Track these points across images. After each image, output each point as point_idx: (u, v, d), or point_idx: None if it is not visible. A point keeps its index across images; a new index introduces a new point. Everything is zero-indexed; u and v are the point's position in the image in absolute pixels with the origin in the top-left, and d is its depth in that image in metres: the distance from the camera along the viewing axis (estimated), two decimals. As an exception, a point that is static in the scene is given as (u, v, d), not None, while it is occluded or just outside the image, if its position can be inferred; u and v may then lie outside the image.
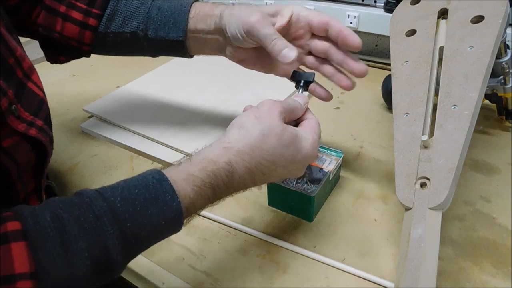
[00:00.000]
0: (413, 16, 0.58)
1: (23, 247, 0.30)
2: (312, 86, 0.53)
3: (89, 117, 0.75)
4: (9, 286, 0.29)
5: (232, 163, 0.39)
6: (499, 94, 0.62)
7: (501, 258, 0.46)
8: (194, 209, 0.38)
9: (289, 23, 0.50)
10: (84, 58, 1.00)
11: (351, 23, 0.90)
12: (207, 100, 0.76)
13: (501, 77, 0.60)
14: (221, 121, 0.69)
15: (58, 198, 0.34)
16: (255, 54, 0.54)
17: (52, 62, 0.62)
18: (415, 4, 0.59)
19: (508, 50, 0.59)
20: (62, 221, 0.32)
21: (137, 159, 0.66)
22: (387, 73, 0.79)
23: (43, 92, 0.47)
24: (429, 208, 0.42)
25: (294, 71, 0.52)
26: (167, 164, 0.62)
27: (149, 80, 0.85)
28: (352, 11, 0.89)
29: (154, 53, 0.60)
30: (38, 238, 0.30)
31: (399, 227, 0.50)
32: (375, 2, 0.88)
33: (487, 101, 0.66)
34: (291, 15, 0.50)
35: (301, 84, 0.51)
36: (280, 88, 0.77)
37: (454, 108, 0.46)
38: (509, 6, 0.50)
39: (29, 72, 0.45)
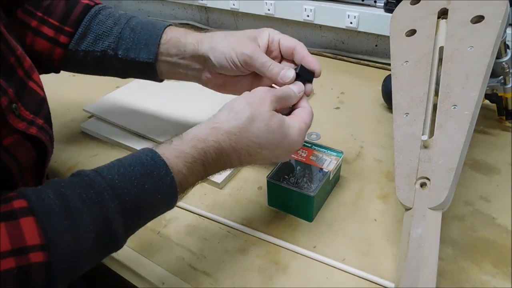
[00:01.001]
0: (413, 16, 0.58)
1: (32, 222, 0.31)
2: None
3: (89, 117, 0.75)
4: (22, 257, 0.30)
5: (220, 142, 0.41)
6: (499, 94, 0.62)
7: (501, 258, 0.46)
8: (187, 184, 0.40)
9: (266, 46, 0.52)
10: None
11: (351, 23, 0.90)
12: (207, 100, 0.76)
13: (501, 77, 0.60)
14: (221, 121, 0.69)
15: (58, 179, 0.36)
16: (234, 79, 0.54)
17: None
18: (415, 4, 0.59)
19: (508, 50, 0.59)
20: (65, 198, 0.33)
21: (137, 159, 0.66)
22: (387, 73, 0.79)
23: (44, 92, 0.47)
24: (429, 208, 0.42)
25: (301, 65, 0.51)
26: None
27: (149, 80, 0.85)
28: (352, 11, 0.89)
29: (123, 74, 0.60)
30: (45, 213, 0.32)
31: (399, 227, 0.50)
32: (375, 2, 0.87)
33: (487, 101, 0.66)
34: (268, 39, 0.52)
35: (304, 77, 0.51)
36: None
37: (454, 108, 0.46)
38: (509, 6, 0.50)
39: (30, 71, 0.45)
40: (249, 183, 0.59)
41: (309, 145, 0.57)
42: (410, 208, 0.43)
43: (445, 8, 0.55)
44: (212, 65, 0.52)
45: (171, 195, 0.39)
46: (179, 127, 0.68)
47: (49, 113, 0.48)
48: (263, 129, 0.42)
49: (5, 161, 0.39)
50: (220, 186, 0.59)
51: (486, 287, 0.43)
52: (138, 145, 0.66)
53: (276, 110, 0.44)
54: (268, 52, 0.52)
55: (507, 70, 0.59)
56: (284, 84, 0.48)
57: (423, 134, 0.46)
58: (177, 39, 0.54)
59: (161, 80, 0.59)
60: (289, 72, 0.49)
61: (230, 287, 0.45)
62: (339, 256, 0.47)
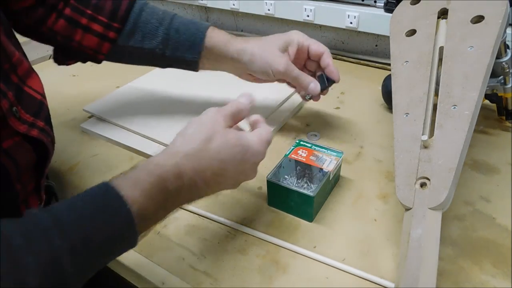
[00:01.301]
0: (413, 16, 0.57)
1: None
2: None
3: (89, 117, 0.75)
4: None
5: (179, 165, 0.39)
6: (499, 94, 0.62)
7: (501, 258, 0.46)
8: (147, 216, 0.37)
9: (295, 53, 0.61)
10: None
11: (351, 23, 0.90)
12: (207, 100, 0.76)
13: (501, 77, 0.60)
14: (221, 121, 0.69)
15: (6, 219, 0.32)
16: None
17: (59, 64, 0.64)
18: (415, 4, 0.59)
19: (508, 50, 0.59)
20: (7, 237, 0.30)
21: (137, 159, 0.66)
22: (387, 73, 0.79)
23: (42, 95, 0.47)
24: (429, 208, 0.42)
25: (322, 73, 0.62)
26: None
27: (149, 80, 0.85)
28: (352, 11, 0.89)
29: (166, 67, 0.65)
30: None
31: (399, 227, 0.50)
32: (375, 2, 0.87)
33: (487, 101, 0.66)
34: (297, 47, 0.60)
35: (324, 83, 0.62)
36: (280, 88, 0.77)
37: (454, 108, 0.46)
38: (509, 6, 0.50)
39: (25, 77, 0.45)
40: (249, 183, 0.59)
41: (309, 145, 0.57)
42: (410, 208, 0.43)
43: (445, 8, 0.55)
44: (252, 71, 0.61)
45: (129, 228, 0.35)
46: (179, 127, 0.68)
47: (49, 115, 0.48)
48: (222, 145, 0.41)
49: (4, 163, 0.39)
50: (220, 186, 0.59)
51: (486, 287, 0.43)
52: (138, 145, 0.66)
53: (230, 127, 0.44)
54: (297, 55, 0.61)
55: (507, 70, 0.59)
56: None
57: (423, 134, 0.46)
58: (219, 47, 0.61)
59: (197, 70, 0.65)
60: (317, 86, 0.59)
61: (230, 287, 0.45)
62: (339, 256, 0.47)
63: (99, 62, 0.64)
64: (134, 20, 0.60)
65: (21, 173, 0.42)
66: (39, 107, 0.46)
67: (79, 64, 1.00)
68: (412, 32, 0.56)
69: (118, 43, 0.60)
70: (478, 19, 0.51)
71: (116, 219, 0.34)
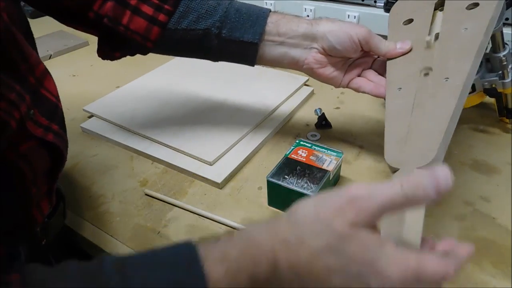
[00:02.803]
0: (411, 8, 0.59)
1: None
2: (361, 81, 0.58)
3: (89, 117, 0.75)
4: None
5: (275, 251, 0.30)
6: (498, 90, 0.62)
7: (501, 258, 0.46)
8: None
9: None
10: (84, 58, 1.01)
11: (351, 23, 0.90)
12: (207, 100, 0.76)
13: (500, 71, 0.60)
14: (221, 121, 0.69)
15: (77, 263, 0.30)
16: (335, 63, 0.57)
17: (104, 58, 0.60)
18: None
19: (507, 45, 0.59)
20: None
21: (137, 159, 0.66)
22: (387, 73, 0.79)
23: (56, 98, 0.47)
24: (417, 168, 0.41)
25: None
26: (167, 164, 0.63)
27: (149, 80, 0.85)
28: (352, 11, 0.89)
29: (218, 56, 0.59)
30: None
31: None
32: (375, 2, 0.87)
33: (487, 100, 0.66)
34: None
35: None
36: (280, 88, 0.77)
37: (446, 80, 0.47)
38: None
39: (42, 78, 0.44)
40: (249, 183, 0.59)
41: (309, 145, 0.57)
42: (397, 170, 0.43)
43: (442, 0, 0.55)
44: (328, 44, 0.54)
45: None
46: (179, 127, 0.68)
47: (63, 118, 0.48)
48: (333, 249, 0.29)
49: (21, 168, 0.39)
50: (220, 186, 0.59)
51: (486, 287, 0.43)
52: (138, 145, 0.66)
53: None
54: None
55: (505, 63, 0.59)
56: (403, 53, 0.53)
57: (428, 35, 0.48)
58: (289, 19, 0.56)
59: (252, 64, 0.59)
60: (405, 43, 0.54)
61: (230, 287, 0.45)
62: (339, 256, 0.47)
63: (146, 52, 0.58)
64: (188, 2, 0.55)
65: (37, 177, 0.42)
66: (54, 110, 0.46)
67: (79, 64, 1.01)
68: (409, 21, 0.57)
69: (169, 27, 0.55)
70: (473, 6, 0.52)
71: None
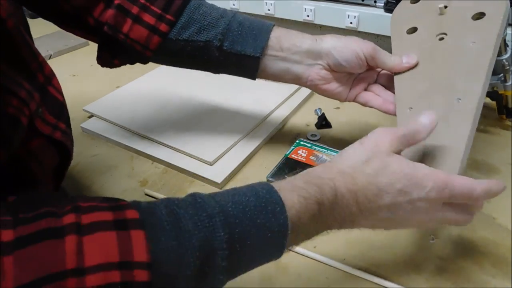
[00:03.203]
0: (413, 15, 0.58)
1: (142, 236, 0.29)
2: (368, 96, 0.57)
3: (89, 117, 0.75)
4: (128, 272, 0.28)
5: (334, 180, 0.37)
6: (499, 92, 0.62)
7: (501, 258, 0.46)
8: (299, 226, 0.34)
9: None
10: (84, 58, 1.01)
11: (351, 23, 0.90)
12: (207, 100, 0.76)
13: (501, 74, 0.60)
14: (221, 121, 0.69)
15: (171, 197, 0.34)
16: (339, 78, 0.56)
17: (103, 65, 0.59)
18: (415, 3, 0.59)
19: (508, 48, 0.59)
20: (177, 216, 0.31)
21: (137, 159, 0.66)
22: (387, 73, 0.79)
23: (63, 96, 0.47)
24: None
25: None
26: (167, 164, 0.63)
27: (149, 80, 0.85)
28: (352, 11, 0.88)
29: (219, 68, 0.58)
30: (155, 229, 0.30)
31: (399, 227, 0.50)
32: (375, 2, 0.87)
33: (487, 99, 0.66)
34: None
35: None
36: (280, 89, 0.77)
37: (458, 101, 0.46)
38: (509, 5, 0.50)
39: (50, 76, 0.45)
40: (249, 183, 0.59)
41: (309, 145, 0.57)
42: None
43: (445, 6, 0.55)
44: (333, 61, 0.53)
45: (281, 236, 0.34)
46: (179, 127, 0.68)
47: (69, 118, 0.48)
48: (380, 170, 0.37)
49: (30, 165, 0.39)
50: (220, 186, 0.59)
51: (486, 287, 0.43)
52: (138, 145, 0.66)
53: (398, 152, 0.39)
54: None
55: (507, 67, 0.59)
56: (409, 67, 0.52)
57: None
58: (292, 34, 0.55)
59: (254, 78, 0.58)
60: (411, 56, 0.52)
61: (230, 287, 0.45)
62: (339, 256, 0.47)
63: (146, 61, 0.58)
64: (191, 13, 0.54)
65: (45, 175, 0.42)
66: (61, 109, 0.46)
67: (79, 64, 1.01)
68: (413, 30, 0.56)
69: (170, 37, 0.54)
70: (479, 15, 0.51)
71: (274, 223, 0.33)
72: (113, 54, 0.57)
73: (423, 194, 0.37)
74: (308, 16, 0.95)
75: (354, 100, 0.57)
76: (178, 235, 0.30)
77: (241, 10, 1.05)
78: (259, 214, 0.33)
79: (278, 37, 0.54)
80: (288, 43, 0.54)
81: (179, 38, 0.54)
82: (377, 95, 0.56)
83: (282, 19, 1.01)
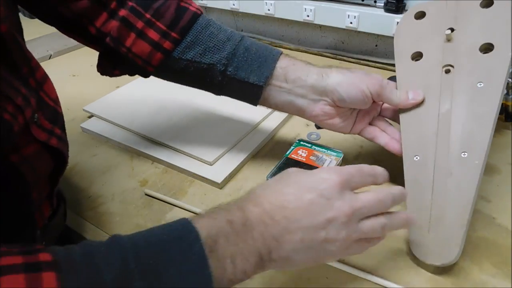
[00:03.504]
0: (418, 34, 0.56)
1: (53, 277, 0.29)
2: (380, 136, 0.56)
3: (89, 117, 0.75)
4: None
5: (241, 200, 0.38)
6: (502, 102, 0.62)
7: (501, 258, 0.46)
8: (218, 249, 0.34)
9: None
10: (84, 58, 1.01)
11: (351, 23, 0.90)
12: (207, 100, 0.76)
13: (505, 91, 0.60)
14: (221, 121, 0.69)
15: (90, 240, 0.35)
16: (344, 113, 0.55)
17: (102, 74, 0.58)
18: (419, 18, 0.57)
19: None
20: (91, 256, 0.32)
21: (137, 159, 0.66)
22: (387, 73, 0.79)
23: (55, 102, 0.46)
24: (440, 264, 0.43)
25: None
26: (167, 164, 0.63)
27: (149, 80, 0.85)
28: (352, 11, 0.88)
29: (220, 90, 0.56)
30: (68, 270, 0.30)
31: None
32: (375, 2, 0.87)
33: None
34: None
35: None
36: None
37: (464, 155, 0.46)
38: None
39: (42, 81, 0.44)
40: (249, 183, 0.59)
41: (309, 145, 0.57)
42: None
43: (452, 29, 0.53)
44: (338, 98, 0.52)
45: (200, 263, 0.33)
46: (179, 127, 0.68)
47: (64, 122, 0.47)
48: (282, 175, 0.40)
49: (24, 172, 0.39)
50: (220, 186, 0.59)
51: (486, 287, 0.43)
52: (138, 145, 0.66)
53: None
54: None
55: (511, 85, 0.59)
56: (416, 104, 0.52)
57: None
58: (298, 66, 0.53)
59: (255, 104, 0.57)
60: (417, 92, 0.52)
61: (230, 287, 0.45)
62: (339, 256, 0.47)
63: (147, 76, 0.57)
64: (197, 33, 0.52)
65: (39, 181, 0.42)
66: (55, 114, 0.45)
67: (79, 64, 1.01)
68: (417, 55, 0.55)
69: (173, 55, 0.53)
70: (487, 46, 0.49)
71: (191, 251, 0.33)
72: (114, 64, 0.56)
73: (324, 191, 0.37)
74: (308, 16, 0.95)
75: (360, 134, 0.57)
76: (90, 273, 0.30)
77: (241, 10, 1.05)
78: (172, 244, 0.33)
79: (284, 67, 0.53)
80: (294, 75, 0.53)
81: (183, 57, 0.53)
82: (382, 130, 0.56)
83: (282, 19, 1.01)
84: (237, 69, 0.53)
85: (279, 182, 0.39)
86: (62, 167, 0.46)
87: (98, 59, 0.56)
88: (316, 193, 0.37)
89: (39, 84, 0.43)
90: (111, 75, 0.58)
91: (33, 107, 0.39)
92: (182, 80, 0.57)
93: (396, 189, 0.40)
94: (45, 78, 0.45)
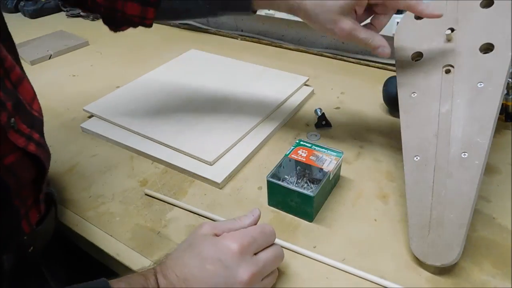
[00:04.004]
0: (418, 34, 0.56)
1: None
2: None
3: (89, 117, 0.75)
4: None
5: (155, 268, 0.41)
6: (502, 102, 0.62)
7: (501, 258, 0.46)
8: None
9: None
10: (84, 58, 1.01)
11: (351, 23, 0.89)
12: (206, 100, 0.76)
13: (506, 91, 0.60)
14: (221, 121, 0.69)
15: None
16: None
17: (115, 31, 0.65)
18: (419, 19, 0.57)
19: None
20: None
21: (137, 159, 0.66)
22: (387, 73, 0.79)
23: (29, 104, 0.45)
24: (441, 265, 0.43)
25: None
26: (167, 164, 0.63)
27: (149, 80, 0.85)
28: (352, 11, 0.88)
29: (217, 10, 0.60)
30: None
31: (399, 227, 0.50)
32: (375, 2, 0.87)
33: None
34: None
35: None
36: (280, 88, 0.77)
37: (464, 155, 0.46)
38: None
39: (17, 83, 0.43)
40: (249, 183, 0.59)
41: (309, 145, 0.57)
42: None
43: (452, 29, 0.53)
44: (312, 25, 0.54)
45: None
46: (179, 127, 0.68)
47: (42, 126, 0.46)
48: (189, 238, 0.43)
49: (6, 181, 0.38)
50: (220, 186, 0.59)
51: (486, 287, 0.43)
52: (138, 145, 0.66)
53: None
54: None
55: (511, 85, 0.59)
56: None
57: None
58: None
59: (254, 12, 0.59)
60: (387, 49, 0.52)
61: (230, 287, 0.45)
62: (339, 256, 0.47)
63: (149, 26, 0.62)
64: None
65: (21, 189, 0.42)
66: (32, 117, 0.44)
67: (79, 64, 1.01)
68: (417, 55, 0.55)
69: (162, 5, 0.59)
70: (487, 46, 0.49)
71: None
72: (117, 25, 0.63)
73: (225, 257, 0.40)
74: (308, 16, 0.94)
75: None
76: None
77: (241, 10, 1.05)
78: None
79: None
80: None
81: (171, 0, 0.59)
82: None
83: (282, 19, 1.01)
84: None
85: (186, 251, 0.41)
86: (43, 174, 0.45)
87: (103, 23, 0.63)
88: (218, 264, 0.39)
89: (14, 85, 0.42)
90: (122, 30, 0.65)
91: (9, 111, 0.38)
92: (180, 16, 0.65)
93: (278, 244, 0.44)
94: (21, 79, 0.44)
